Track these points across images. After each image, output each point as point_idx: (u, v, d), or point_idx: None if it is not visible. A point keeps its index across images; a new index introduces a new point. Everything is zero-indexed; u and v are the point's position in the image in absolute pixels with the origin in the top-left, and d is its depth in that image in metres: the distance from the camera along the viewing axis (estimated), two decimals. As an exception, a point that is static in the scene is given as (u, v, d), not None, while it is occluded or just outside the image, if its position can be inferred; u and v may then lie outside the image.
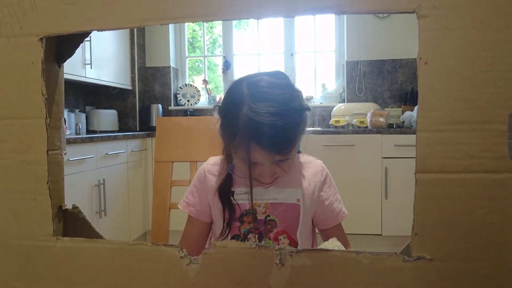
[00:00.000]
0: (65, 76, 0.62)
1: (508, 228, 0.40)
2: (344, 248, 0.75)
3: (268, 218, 0.84)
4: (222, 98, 0.83)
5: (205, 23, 3.82)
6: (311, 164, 0.92)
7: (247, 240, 0.83)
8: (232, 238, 0.84)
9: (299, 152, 0.96)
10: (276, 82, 0.76)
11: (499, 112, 0.40)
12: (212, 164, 0.92)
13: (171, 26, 3.69)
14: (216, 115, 0.83)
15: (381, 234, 2.80)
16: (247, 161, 0.75)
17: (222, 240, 0.84)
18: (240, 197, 0.85)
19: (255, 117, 0.71)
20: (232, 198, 0.85)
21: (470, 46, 0.40)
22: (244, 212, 0.84)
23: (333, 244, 0.74)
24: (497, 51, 0.40)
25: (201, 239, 0.91)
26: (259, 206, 0.84)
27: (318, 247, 0.80)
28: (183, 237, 0.91)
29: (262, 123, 0.70)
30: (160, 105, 3.58)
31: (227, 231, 0.84)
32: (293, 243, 0.84)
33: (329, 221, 0.90)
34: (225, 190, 0.86)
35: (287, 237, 0.84)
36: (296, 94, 0.78)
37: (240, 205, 0.85)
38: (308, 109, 0.79)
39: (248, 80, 0.77)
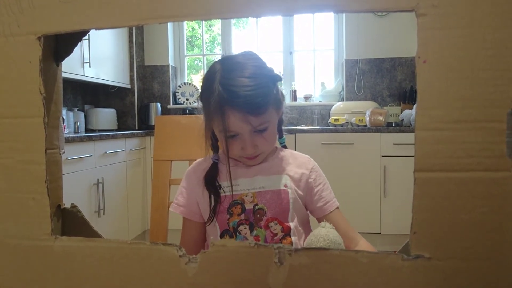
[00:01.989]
0: (64, 74, 0.62)
1: (507, 226, 0.40)
2: (332, 232, 0.73)
3: (256, 207, 0.84)
4: None
5: (204, 21, 3.81)
6: (297, 155, 0.94)
7: (238, 233, 0.83)
8: (222, 233, 0.84)
9: (285, 146, 0.97)
10: (248, 56, 0.82)
11: (498, 111, 0.40)
12: (197, 163, 0.94)
13: (169, 25, 3.69)
14: (199, 105, 0.86)
15: (380, 233, 2.80)
16: (223, 128, 0.77)
17: (209, 225, 0.85)
18: (227, 189, 0.85)
19: (227, 82, 0.76)
20: (220, 189, 0.85)
21: (469, 45, 0.40)
22: (232, 202, 0.84)
23: (318, 235, 0.71)
24: (496, 50, 0.40)
25: (198, 241, 0.91)
26: (246, 196, 0.84)
27: (306, 243, 0.78)
28: (181, 242, 0.91)
29: (234, 85, 0.75)
30: (159, 104, 3.57)
31: (213, 217, 0.84)
32: (286, 228, 0.84)
33: (319, 211, 0.90)
34: (210, 178, 0.87)
35: (278, 223, 0.83)
36: (268, 66, 0.83)
37: (226, 197, 0.85)
38: (280, 78, 0.84)
39: (221, 59, 0.83)
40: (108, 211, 2.59)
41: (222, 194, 0.85)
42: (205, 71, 0.84)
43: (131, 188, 2.90)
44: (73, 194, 2.27)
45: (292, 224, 0.84)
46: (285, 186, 0.86)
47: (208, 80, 0.80)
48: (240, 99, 0.75)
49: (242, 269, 0.45)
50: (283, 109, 0.88)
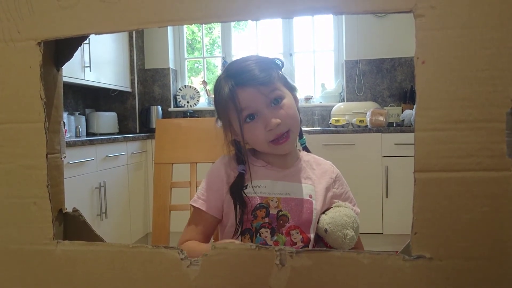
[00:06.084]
0: (65, 79, 0.62)
1: (508, 226, 0.40)
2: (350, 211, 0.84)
3: (280, 213, 0.84)
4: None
5: (203, 24, 3.81)
6: (321, 162, 0.95)
7: (259, 235, 0.83)
8: (243, 232, 0.83)
9: (306, 148, 0.97)
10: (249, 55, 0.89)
11: (497, 110, 0.40)
12: (225, 161, 0.92)
13: (169, 28, 3.69)
14: (216, 116, 0.89)
15: (382, 233, 2.80)
16: (239, 107, 0.81)
17: (234, 236, 0.84)
18: (255, 190, 0.85)
19: (231, 71, 0.83)
20: (243, 193, 0.85)
21: (467, 45, 0.40)
22: (258, 205, 0.84)
23: (341, 213, 0.82)
24: (494, 49, 0.40)
25: (206, 235, 0.89)
26: (271, 200, 0.84)
27: (328, 220, 0.83)
28: (187, 230, 0.88)
29: (238, 68, 0.83)
30: (159, 107, 3.58)
31: (240, 229, 0.83)
32: (306, 239, 0.84)
33: None
34: (236, 188, 0.86)
35: (299, 233, 0.83)
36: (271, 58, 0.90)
37: (252, 198, 0.84)
38: (282, 64, 0.89)
39: (226, 67, 0.90)
40: (110, 215, 2.59)
41: (245, 196, 0.84)
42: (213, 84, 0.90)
43: (133, 192, 2.90)
44: (75, 198, 2.27)
45: (312, 236, 0.85)
46: (310, 196, 0.86)
47: (216, 85, 0.87)
48: (245, 74, 0.80)
49: (244, 271, 0.45)
50: (297, 97, 0.91)
